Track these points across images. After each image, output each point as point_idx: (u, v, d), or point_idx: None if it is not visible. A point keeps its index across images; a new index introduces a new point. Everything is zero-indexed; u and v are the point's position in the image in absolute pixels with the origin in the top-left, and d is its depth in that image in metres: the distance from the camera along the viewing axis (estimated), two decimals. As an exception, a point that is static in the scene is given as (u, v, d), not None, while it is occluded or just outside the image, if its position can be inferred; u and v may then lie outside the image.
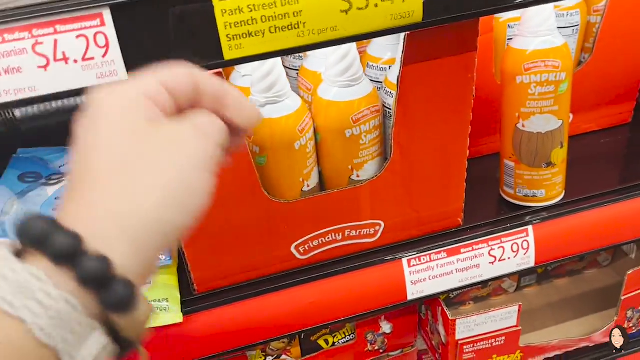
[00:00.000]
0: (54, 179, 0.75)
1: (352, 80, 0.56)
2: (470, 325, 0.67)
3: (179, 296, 0.60)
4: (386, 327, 0.74)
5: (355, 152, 0.59)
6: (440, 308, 0.68)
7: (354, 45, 0.56)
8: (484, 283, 0.67)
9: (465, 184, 0.63)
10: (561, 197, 0.68)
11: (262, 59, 0.45)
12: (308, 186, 0.60)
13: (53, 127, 0.88)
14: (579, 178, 0.72)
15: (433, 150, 0.58)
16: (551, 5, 0.60)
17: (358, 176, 0.60)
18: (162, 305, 0.58)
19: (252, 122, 0.35)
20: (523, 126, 0.63)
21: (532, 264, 0.67)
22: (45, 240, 0.26)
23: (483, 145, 0.77)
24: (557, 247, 0.68)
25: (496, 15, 0.71)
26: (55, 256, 0.26)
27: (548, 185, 0.66)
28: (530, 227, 0.66)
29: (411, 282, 0.64)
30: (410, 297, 0.64)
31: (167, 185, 0.29)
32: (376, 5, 0.44)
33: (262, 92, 0.54)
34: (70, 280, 0.26)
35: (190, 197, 0.29)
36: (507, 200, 0.69)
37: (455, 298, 0.81)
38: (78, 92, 0.42)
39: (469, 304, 0.83)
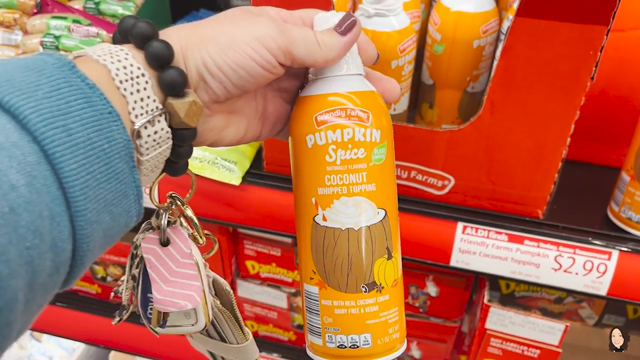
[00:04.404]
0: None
1: None
2: (505, 320, 0.63)
3: (247, 165, 0.65)
4: (432, 289, 0.73)
5: (476, 64, 0.61)
6: (483, 290, 0.64)
7: None
8: (538, 286, 0.61)
9: (557, 175, 0.57)
10: (675, 239, 0.58)
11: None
12: (394, 110, 0.59)
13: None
14: None
15: (527, 122, 0.53)
16: None
17: (473, 88, 0.62)
18: (228, 165, 0.64)
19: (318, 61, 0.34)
20: (653, 139, 0.54)
21: (602, 292, 0.59)
22: (132, 29, 0.32)
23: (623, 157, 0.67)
24: (642, 289, 0.58)
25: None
26: (135, 39, 0.32)
27: (660, 217, 0.57)
28: (616, 253, 0.57)
29: (459, 249, 0.61)
30: (453, 263, 0.62)
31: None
32: None
33: (373, 2, 0.53)
34: (143, 58, 0.32)
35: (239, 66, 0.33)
36: (608, 217, 0.61)
37: (521, 299, 0.75)
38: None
39: (535, 312, 0.76)
